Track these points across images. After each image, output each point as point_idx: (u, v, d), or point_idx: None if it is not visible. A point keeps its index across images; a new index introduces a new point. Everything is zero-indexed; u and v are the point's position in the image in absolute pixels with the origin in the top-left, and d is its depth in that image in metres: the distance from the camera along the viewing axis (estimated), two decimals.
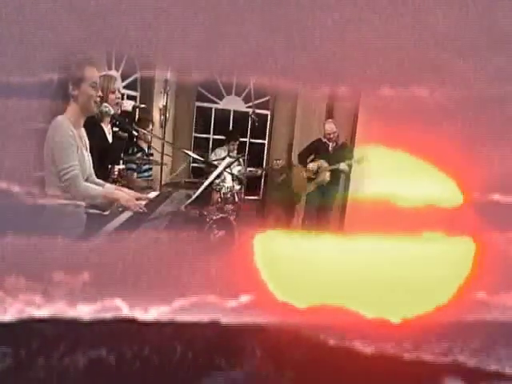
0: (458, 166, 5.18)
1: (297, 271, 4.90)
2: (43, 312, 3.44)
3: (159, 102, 5.26)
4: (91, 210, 4.18)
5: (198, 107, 5.63)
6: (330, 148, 5.61)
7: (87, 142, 4.34)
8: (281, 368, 2.96)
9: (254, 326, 3.05)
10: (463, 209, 5.20)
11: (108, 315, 3.29)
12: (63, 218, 3.96)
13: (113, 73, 5.14)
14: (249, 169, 5.33)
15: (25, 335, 3.13)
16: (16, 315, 3.39)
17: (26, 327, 3.23)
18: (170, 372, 2.91)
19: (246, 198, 5.28)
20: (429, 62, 4.95)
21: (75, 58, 4.21)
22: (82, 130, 4.26)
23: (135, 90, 5.43)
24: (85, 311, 3.50)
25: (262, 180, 5.52)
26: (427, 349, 3.63)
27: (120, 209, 4.15)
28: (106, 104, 4.45)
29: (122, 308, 3.47)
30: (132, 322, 3.13)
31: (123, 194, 4.17)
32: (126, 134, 4.76)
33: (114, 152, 4.75)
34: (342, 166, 5.47)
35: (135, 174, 4.93)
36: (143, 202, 4.33)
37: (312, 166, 5.55)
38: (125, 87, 5.35)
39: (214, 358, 2.75)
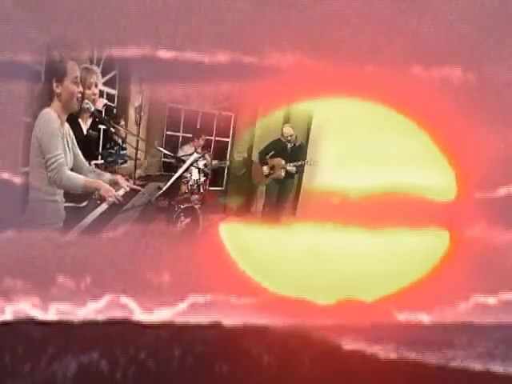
0: (472, 156, 5.29)
1: (260, 256, 5.50)
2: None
3: (135, 101, 5.82)
4: (67, 204, 4.66)
5: (170, 107, 6.27)
6: (288, 148, 6.31)
7: (72, 136, 4.75)
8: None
9: (259, 327, 2.75)
10: (452, 202, 5.46)
11: (100, 316, 3.03)
12: (44, 214, 4.25)
13: (93, 67, 5.39)
14: (214, 161, 6.02)
15: (9, 338, 2.73)
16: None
17: (11, 329, 2.87)
18: (168, 378, 2.52)
19: (211, 188, 5.97)
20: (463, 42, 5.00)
21: (58, 53, 4.61)
22: (66, 125, 4.66)
23: (114, 88, 5.78)
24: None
25: (225, 173, 6.18)
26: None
27: (98, 201, 4.68)
28: (86, 101, 4.89)
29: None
30: (127, 323, 2.82)
31: (103, 184, 4.62)
32: (96, 133, 5.28)
33: (91, 146, 5.14)
34: (290, 167, 6.26)
35: (111, 168, 5.56)
36: (121, 193, 4.85)
37: (270, 162, 6.30)
38: (104, 84, 5.65)
39: (216, 362, 2.36)
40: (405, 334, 3.45)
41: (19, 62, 4.66)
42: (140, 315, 3.43)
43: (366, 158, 5.71)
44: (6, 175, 4.58)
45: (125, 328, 2.78)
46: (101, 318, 3.08)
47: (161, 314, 3.44)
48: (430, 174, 5.48)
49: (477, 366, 3.62)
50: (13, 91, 4.74)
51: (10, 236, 4.31)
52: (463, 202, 5.34)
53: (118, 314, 3.36)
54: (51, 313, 3.04)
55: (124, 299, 3.65)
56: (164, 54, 5.25)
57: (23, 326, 2.81)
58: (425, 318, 4.49)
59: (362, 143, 5.75)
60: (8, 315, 3.02)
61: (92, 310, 3.17)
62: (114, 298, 3.61)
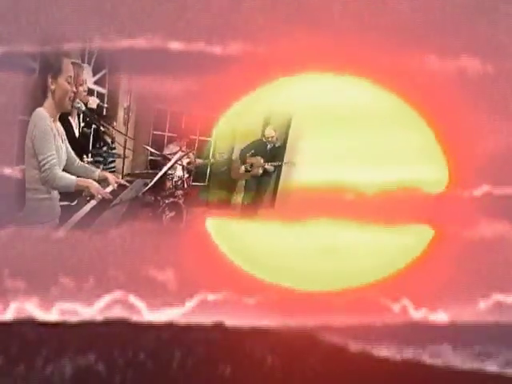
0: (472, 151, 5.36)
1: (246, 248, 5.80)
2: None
3: (124, 102, 6.18)
4: (61, 203, 4.85)
5: (157, 108, 6.67)
6: (268, 148, 6.77)
7: (63, 134, 5.01)
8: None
9: (264, 328, 2.58)
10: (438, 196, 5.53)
11: (98, 317, 2.82)
12: (40, 212, 4.52)
13: (83, 64, 5.58)
14: (198, 160, 6.45)
15: (2, 339, 2.51)
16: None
17: (4, 330, 2.67)
18: (168, 381, 2.28)
19: (194, 184, 6.43)
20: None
21: (54, 49, 4.80)
22: (58, 123, 4.90)
23: (104, 87, 6.02)
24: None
25: (208, 170, 6.61)
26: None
27: (88, 198, 5.03)
28: (78, 101, 5.16)
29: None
30: (125, 324, 2.59)
31: (93, 182, 4.94)
32: (89, 130, 5.62)
33: (80, 145, 5.42)
34: (268, 166, 6.71)
35: (101, 166, 5.98)
36: (109, 190, 5.21)
37: (249, 160, 6.75)
38: (95, 83, 5.91)
39: (218, 364, 2.18)
40: (417, 334, 3.38)
41: (15, 56, 4.78)
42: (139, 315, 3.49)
43: (352, 153, 5.96)
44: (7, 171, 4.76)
45: (123, 328, 2.62)
46: (99, 318, 3.03)
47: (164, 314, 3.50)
48: (424, 168, 5.62)
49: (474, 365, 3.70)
50: (10, 85, 4.83)
51: (9, 233, 4.53)
52: (452, 199, 5.48)
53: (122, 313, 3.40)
54: (54, 313, 3.03)
55: (132, 298, 3.79)
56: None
57: (18, 327, 2.63)
58: (441, 317, 4.62)
59: (354, 136, 5.93)
60: (9, 315, 2.94)
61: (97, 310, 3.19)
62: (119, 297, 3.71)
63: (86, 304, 3.13)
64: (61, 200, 4.85)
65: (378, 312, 4.52)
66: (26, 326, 2.66)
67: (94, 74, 5.89)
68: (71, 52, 5.21)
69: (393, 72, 5.45)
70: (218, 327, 2.55)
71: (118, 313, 3.14)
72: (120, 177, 5.70)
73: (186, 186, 6.24)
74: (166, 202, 5.92)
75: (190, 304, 3.20)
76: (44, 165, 4.46)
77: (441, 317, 4.71)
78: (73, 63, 5.02)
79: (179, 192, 6.18)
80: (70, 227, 4.85)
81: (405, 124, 5.67)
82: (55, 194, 4.76)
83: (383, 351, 3.06)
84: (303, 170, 6.30)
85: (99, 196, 5.02)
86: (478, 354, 3.89)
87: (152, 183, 5.58)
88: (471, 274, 5.12)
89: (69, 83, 4.72)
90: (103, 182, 5.38)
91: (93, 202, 5.15)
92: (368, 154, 5.85)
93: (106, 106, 5.80)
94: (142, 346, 2.35)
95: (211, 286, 4.51)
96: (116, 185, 5.38)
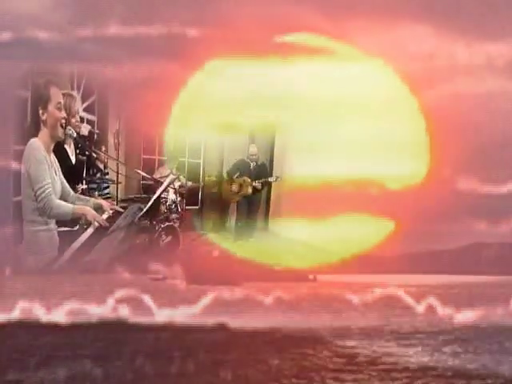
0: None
1: None
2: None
3: (113, 126, 6.19)
4: (62, 229, 4.82)
5: (145, 132, 6.67)
6: (252, 167, 6.88)
7: (58, 166, 4.99)
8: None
9: (268, 329, 2.46)
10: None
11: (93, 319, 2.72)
12: (39, 244, 4.49)
13: (74, 93, 5.66)
14: (189, 182, 6.48)
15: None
16: None
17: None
18: None
19: (187, 207, 6.44)
20: None
21: (41, 77, 4.77)
22: (52, 155, 4.90)
23: (93, 113, 6.10)
24: None
25: (200, 193, 6.64)
26: None
27: (85, 226, 5.01)
28: (69, 127, 5.16)
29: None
30: (121, 325, 2.53)
31: (90, 210, 4.92)
32: (84, 157, 5.62)
33: (77, 172, 5.42)
34: (256, 184, 6.79)
35: (96, 193, 5.95)
36: (105, 216, 5.19)
37: (237, 181, 6.81)
38: (84, 110, 5.97)
39: (220, 368, 2.00)
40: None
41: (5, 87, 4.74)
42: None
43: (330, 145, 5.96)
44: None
45: (120, 330, 2.51)
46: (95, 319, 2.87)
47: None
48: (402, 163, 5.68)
49: None
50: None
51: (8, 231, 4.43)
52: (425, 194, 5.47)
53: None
54: (61, 313, 2.87)
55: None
56: None
57: (9, 329, 2.52)
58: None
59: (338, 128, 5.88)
60: (14, 315, 2.82)
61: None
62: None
63: (95, 304, 2.99)
64: (61, 226, 4.82)
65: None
66: (19, 328, 2.56)
67: (83, 101, 5.95)
68: (60, 80, 5.21)
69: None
70: (221, 328, 2.41)
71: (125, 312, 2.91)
72: (115, 203, 5.69)
73: (179, 209, 6.25)
74: (162, 226, 5.90)
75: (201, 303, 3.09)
76: (40, 194, 4.44)
77: None
78: (64, 94, 5.04)
79: (174, 216, 6.18)
80: (70, 256, 4.80)
81: (397, 115, 5.72)
82: (53, 225, 4.73)
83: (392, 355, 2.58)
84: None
85: (96, 223, 5.00)
86: None
87: (147, 207, 5.55)
88: None
89: (59, 109, 4.70)
90: (99, 209, 5.37)
91: (90, 230, 5.11)
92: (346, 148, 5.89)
93: (97, 131, 5.81)
94: (140, 348, 2.20)
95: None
96: (111, 211, 5.35)
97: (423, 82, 5.61)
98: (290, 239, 5.95)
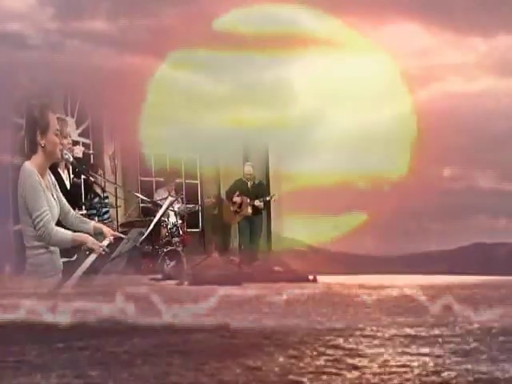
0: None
1: None
2: None
3: (109, 149, 5.98)
4: (62, 259, 4.72)
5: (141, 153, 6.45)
6: (249, 186, 6.72)
7: (55, 184, 4.80)
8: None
9: (272, 329, 2.34)
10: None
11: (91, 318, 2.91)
12: (42, 266, 4.31)
13: (65, 117, 5.55)
14: (187, 206, 6.23)
15: None
16: None
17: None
18: None
19: (189, 230, 6.17)
20: None
21: (38, 105, 4.61)
22: (48, 174, 4.70)
23: (88, 137, 5.98)
24: None
25: (200, 214, 6.41)
26: None
27: (87, 252, 4.78)
28: (65, 151, 4.99)
29: None
30: (118, 325, 2.44)
31: (89, 237, 4.70)
32: (80, 180, 5.39)
33: (73, 197, 5.33)
34: (257, 202, 6.63)
35: (96, 218, 5.67)
36: (106, 243, 4.97)
37: (235, 199, 6.62)
38: (79, 135, 5.88)
39: (221, 369, 1.88)
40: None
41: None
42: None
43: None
44: None
45: (117, 331, 2.41)
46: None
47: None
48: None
49: None
50: None
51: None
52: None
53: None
54: (68, 312, 2.78)
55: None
56: None
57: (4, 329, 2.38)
58: None
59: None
60: (20, 314, 2.69)
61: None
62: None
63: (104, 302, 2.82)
64: (61, 256, 4.63)
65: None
66: (14, 328, 2.41)
67: (78, 126, 5.79)
68: (55, 106, 5.10)
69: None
70: (222, 328, 2.32)
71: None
72: (115, 227, 5.44)
73: (181, 232, 5.98)
74: (165, 250, 5.63)
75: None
76: (38, 222, 4.15)
77: None
78: (57, 118, 4.90)
79: (175, 239, 5.92)
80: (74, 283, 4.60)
81: (388, 111, 5.73)
82: (54, 248, 4.55)
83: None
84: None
85: (97, 250, 4.78)
86: None
87: (147, 232, 5.27)
88: None
89: (57, 136, 4.55)
90: (99, 234, 5.16)
91: (92, 257, 4.90)
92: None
93: (91, 152, 5.61)
94: (138, 350, 2.09)
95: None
96: (112, 238, 5.11)
97: (415, 79, 5.59)
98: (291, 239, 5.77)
